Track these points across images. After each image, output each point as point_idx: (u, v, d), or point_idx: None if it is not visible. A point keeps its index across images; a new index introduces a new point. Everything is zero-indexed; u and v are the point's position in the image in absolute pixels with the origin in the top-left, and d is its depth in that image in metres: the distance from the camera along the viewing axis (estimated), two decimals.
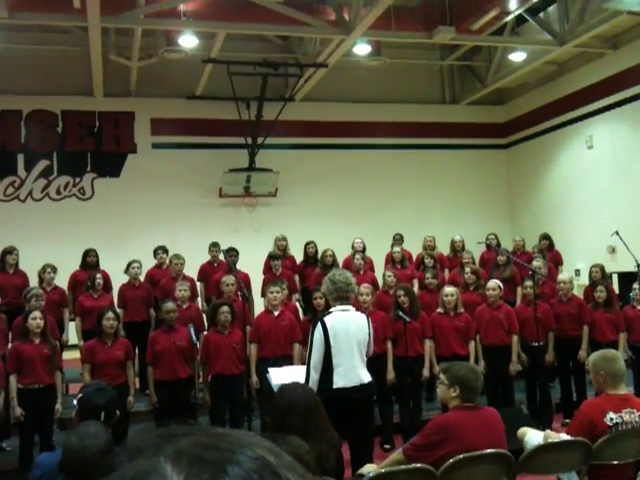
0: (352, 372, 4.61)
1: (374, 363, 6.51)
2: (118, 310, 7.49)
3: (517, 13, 10.52)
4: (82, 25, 9.59)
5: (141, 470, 0.58)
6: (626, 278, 9.46)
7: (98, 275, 7.92)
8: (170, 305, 6.58)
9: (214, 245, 9.17)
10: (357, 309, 6.65)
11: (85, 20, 8.97)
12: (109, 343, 6.16)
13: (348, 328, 4.66)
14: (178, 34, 10.36)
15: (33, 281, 8.20)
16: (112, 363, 6.10)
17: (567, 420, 6.60)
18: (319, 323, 4.65)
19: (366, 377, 4.69)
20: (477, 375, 3.80)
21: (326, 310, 5.10)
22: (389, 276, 7.85)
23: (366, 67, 12.30)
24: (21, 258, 8.34)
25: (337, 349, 4.58)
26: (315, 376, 4.52)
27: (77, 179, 12.32)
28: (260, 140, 12.21)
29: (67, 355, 7.43)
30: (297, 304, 8.65)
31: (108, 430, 2.74)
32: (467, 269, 8.01)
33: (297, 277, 9.21)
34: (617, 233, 8.21)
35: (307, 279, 9.11)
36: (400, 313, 6.51)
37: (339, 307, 4.75)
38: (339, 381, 4.54)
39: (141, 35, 10.21)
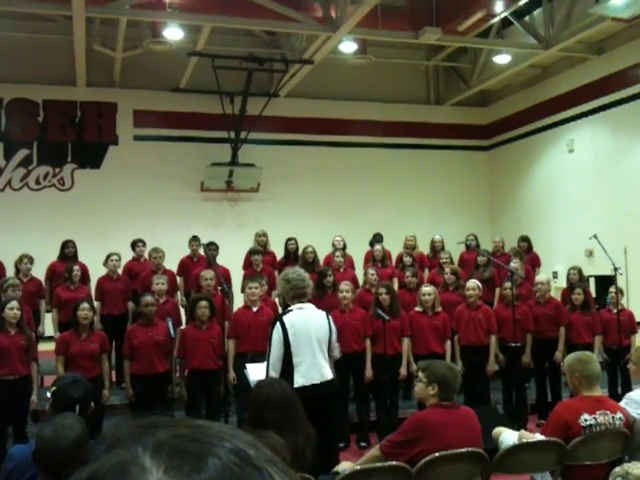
0: (313, 370, 4.58)
1: (353, 361, 6.56)
2: (95, 303, 7.44)
3: (503, 16, 10.59)
4: (67, 14, 9.49)
5: (120, 461, 0.57)
6: (603, 281, 9.56)
7: (76, 267, 7.85)
8: (149, 299, 6.53)
9: (194, 239, 9.12)
10: (337, 307, 6.69)
11: (70, 9, 8.88)
12: (84, 335, 6.10)
13: (308, 326, 4.64)
14: (163, 26, 10.28)
15: (10, 271, 8.11)
16: (86, 355, 6.04)
17: (542, 421, 6.67)
18: (278, 322, 4.63)
19: (328, 374, 4.67)
20: (456, 374, 3.82)
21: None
22: (372, 274, 7.86)
23: (352, 65, 12.31)
24: None
25: (297, 347, 4.55)
26: (274, 375, 4.48)
27: (57, 169, 12.20)
28: (243, 135, 12.18)
29: (43, 347, 7.35)
30: (276, 300, 8.63)
31: (83, 422, 2.71)
32: (447, 269, 8.05)
33: (277, 273, 9.18)
34: (595, 237, 8.28)
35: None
36: (379, 311, 6.53)
37: (297, 305, 4.72)
38: (299, 379, 4.50)
39: (126, 26, 10.12)
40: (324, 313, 4.88)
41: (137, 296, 7.98)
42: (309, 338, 4.61)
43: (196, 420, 0.64)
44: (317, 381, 4.57)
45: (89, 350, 6.07)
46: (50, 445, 2.56)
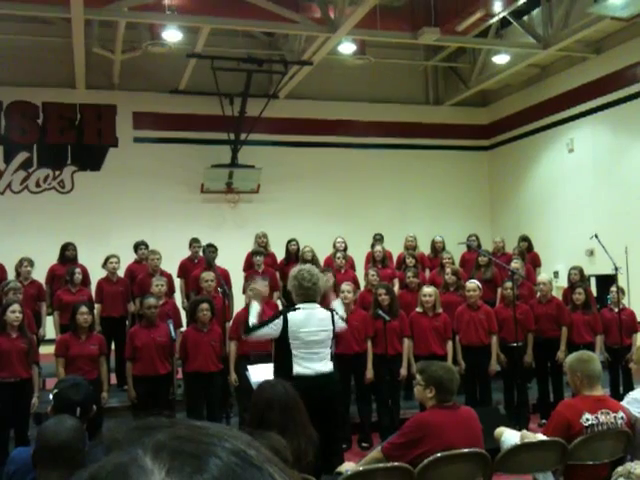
0: (312, 364, 4.66)
1: (354, 362, 6.56)
2: (95, 305, 7.44)
3: (502, 16, 10.59)
4: (65, 16, 9.50)
5: (120, 463, 0.57)
6: (604, 281, 9.55)
7: (77, 270, 7.85)
8: (151, 301, 6.52)
9: (195, 241, 9.11)
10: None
11: (68, 11, 8.88)
12: (83, 338, 6.11)
13: (310, 323, 4.70)
14: (162, 28, 10.29)
15: (11, 274, 8.11)
16: (85, 357, 6.05)
17: (544, 420, 6.66)
18: (281, 315, 4.74)
19: (327, 367, 4.73)
20: (453, 375, 3.81)
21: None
22: (372, 275, 7.86)
23: (351, 66, 12.31)
24: None
25: (296, 344, 4.65)
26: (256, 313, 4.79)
27: (57, 172, 12.20)
28: (243, 136, 12.18)
29: (44, 350, 7.34)
30: (279, 302, 8.63)
31: (82, 423, 2.73)
32: (448, 270, 8.04)
33: (278, 274, 9.18)
34: (596, 236, 8.27)
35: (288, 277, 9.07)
36: (380, 312, 6.52)
37: (304, 304, 4.78)
38: (298, 369, 4.61)
39: (125, 28, 10.13)
40: (329, 312, 4.92)
41: (135, 298, 8.00)
42: (309, 338, 4.67)
43: (194, 421, 0.64)
44: (314, 373, 4.63)
45: (88, 352, 6.08)
46: (47, 444, 2.59)
